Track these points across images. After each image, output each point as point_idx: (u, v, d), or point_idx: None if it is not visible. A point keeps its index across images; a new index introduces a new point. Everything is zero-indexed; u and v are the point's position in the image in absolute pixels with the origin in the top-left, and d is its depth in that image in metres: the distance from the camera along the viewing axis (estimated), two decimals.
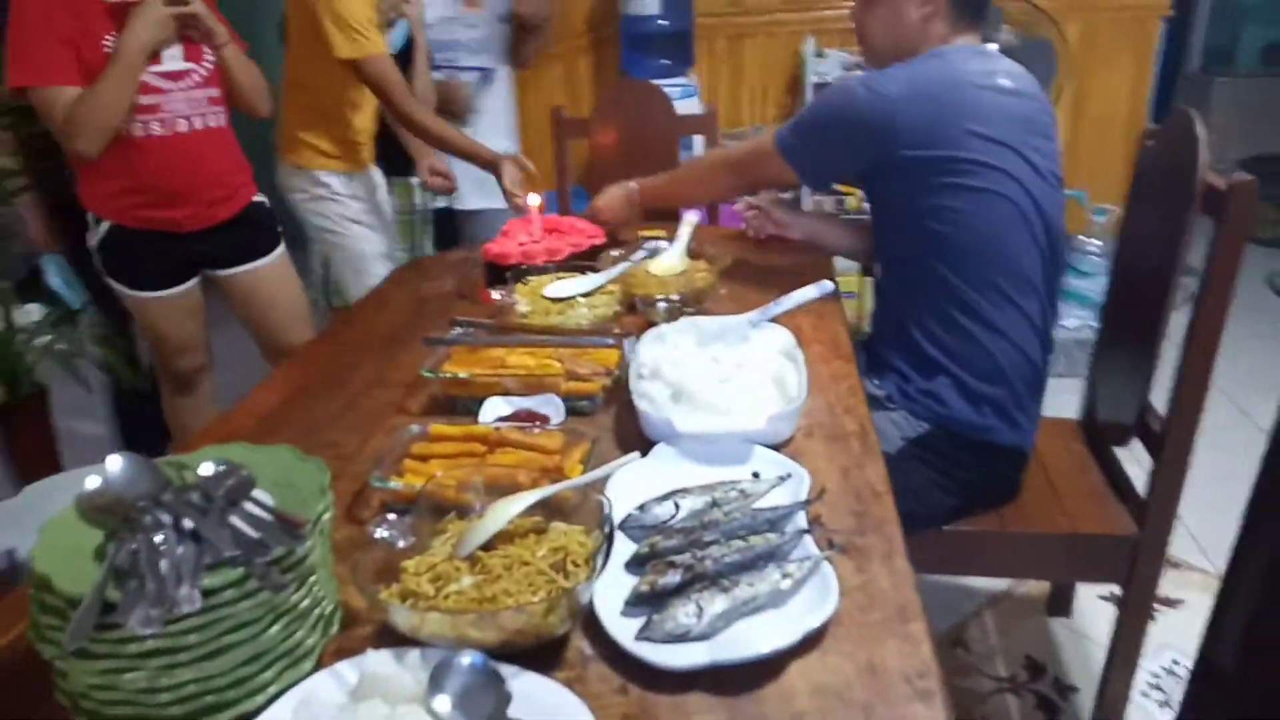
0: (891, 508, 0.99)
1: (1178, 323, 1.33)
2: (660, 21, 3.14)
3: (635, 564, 0.89)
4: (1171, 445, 1.37)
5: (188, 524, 0.70)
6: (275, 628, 0.70)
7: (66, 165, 1.92)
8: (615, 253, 1.59)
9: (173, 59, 1.80)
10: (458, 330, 1.35)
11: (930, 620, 0.81)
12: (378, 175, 2.31)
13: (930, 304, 1.39)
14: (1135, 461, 1.53)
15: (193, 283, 2.01)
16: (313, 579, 0.74)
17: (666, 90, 2.48)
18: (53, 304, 2.26)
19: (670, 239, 1.63)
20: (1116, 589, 1.91)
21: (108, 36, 1.71)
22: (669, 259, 1.62)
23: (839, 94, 1.40)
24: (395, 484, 0.99)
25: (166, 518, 0.70)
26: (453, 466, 1.01)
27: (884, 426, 1.39)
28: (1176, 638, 1.85)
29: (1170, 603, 1.97)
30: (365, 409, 1.27)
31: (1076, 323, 2.92)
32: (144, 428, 2.38)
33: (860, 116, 1.35)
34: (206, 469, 0.77)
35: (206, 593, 0.65)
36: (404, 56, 2.38)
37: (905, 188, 1.36)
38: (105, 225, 1.87)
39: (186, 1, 1.74)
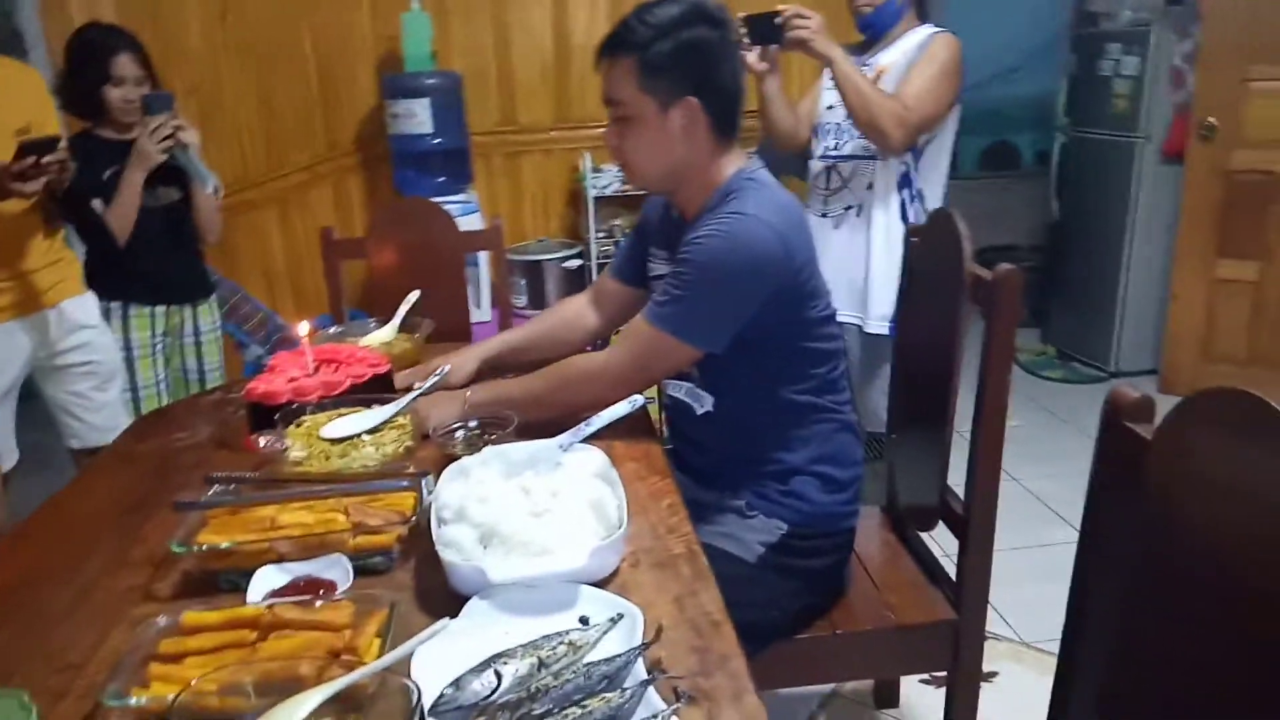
0: (733, 637, 0.91)
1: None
2: (433, 140, 3.09)
3: None
4: (975, 527, 1.40)
5: None
6: None
7: None
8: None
9: None
10: (215, 489, 1.15)
11: None
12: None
13: (783, 420, 1.41)
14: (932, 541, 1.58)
15: None
16: None
17: (447, 207, 2.41)
18: None
19: None
20: (938, 673, 1.96)
21: None
22: (381, 333, 1.76)
23: (719, 244, 1.28)
24: (137, 699, 0.79)
25: None
26: (214, 665, 0.82)
27: (742, 535, 1.39)
28: (998, 710, 1.88)
29: (986, 676, 2.02)
30: (101, 600, 1.03)
31: None
32: None
33: (755, 255, 1.28)
34: None
35: None
36: (182, 183, 2.19)
37: (773, 318, 1.33)
38: None
39: None
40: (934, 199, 2.22)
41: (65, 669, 0.90)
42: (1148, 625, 0.85)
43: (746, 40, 2.02)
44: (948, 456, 1.46)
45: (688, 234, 1.34)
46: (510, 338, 1.70)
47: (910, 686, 1.98)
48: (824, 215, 2.27)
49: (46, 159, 1.73)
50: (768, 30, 2.02)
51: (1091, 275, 3.95)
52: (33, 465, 2.08)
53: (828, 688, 2.01)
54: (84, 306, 2.07)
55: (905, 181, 2.18)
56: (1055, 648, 1.12)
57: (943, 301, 1.45)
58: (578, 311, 1.70)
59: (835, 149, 2.23)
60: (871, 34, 2.22)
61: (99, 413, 2.10)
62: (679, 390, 1.46)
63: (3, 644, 0.96)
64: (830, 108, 2.21)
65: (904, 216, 2.17)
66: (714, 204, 1.34)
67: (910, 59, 2.12)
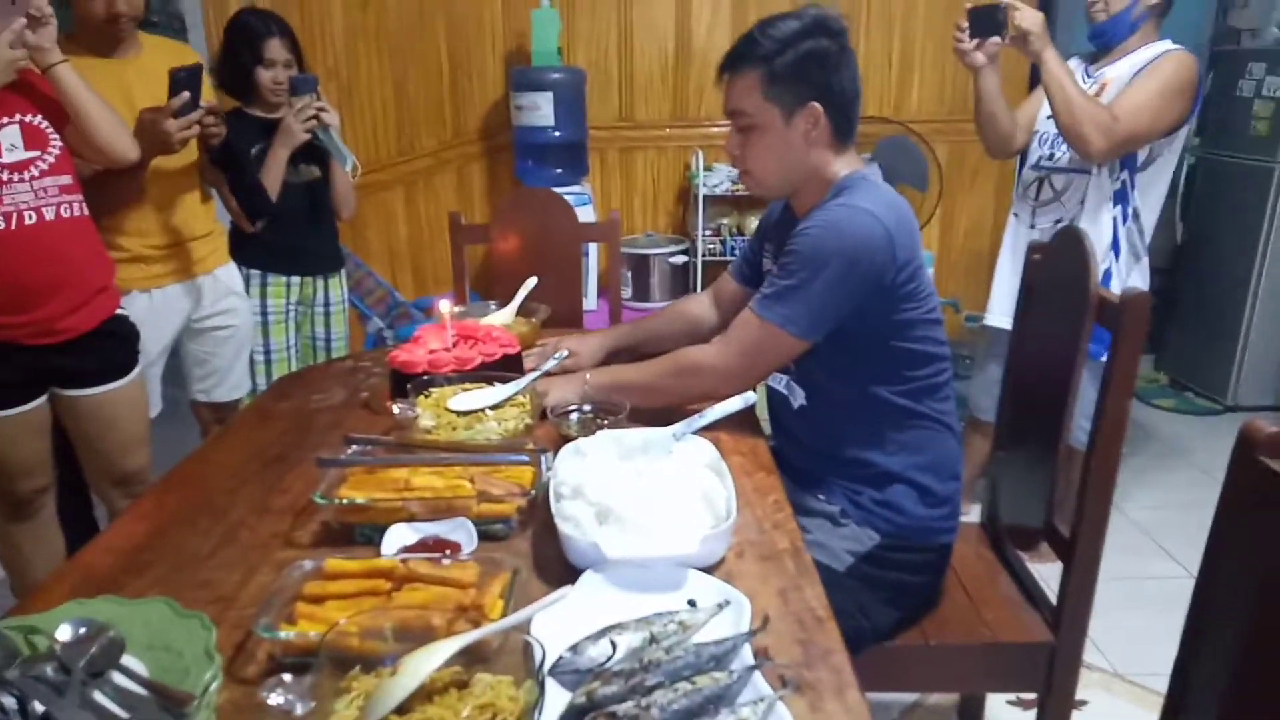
0: (836, 634, 0.94)
1: None
2: (554, 133, 3.18)
3: (572, 716, 0.79)
4: (1082, 551, 1.38)
5: (38, 707, 0.57)
6: None
7: None
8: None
9: (13, 149, 1.62)
10: (354, 449, 1.24)
11: None
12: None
13: (876, 421, 1.40)
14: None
15: (40, 400, 1.79)
16: None
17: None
18: None
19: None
20: (1025, 694, 1.92)
21: None
22: (501, 315, 1.82)
23: (823, 233, 1.31)
24: (286, 633, 0.87)
25: (10, 701, 0.57)
26: (354, 609, 0.89)
27: (833, 544, 1.38)
28: None
29: (1076, 704, 1.97)
30: (246, 542, 1.13)
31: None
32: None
33: (858, 244, 1.29)
34: (64, 633, 0.64)
35: None
36: (322, 161, 2.33)
37: (868, 314, 1.33)
38: None
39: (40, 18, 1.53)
40: (1149, 220, 2.13)
41: (217, 601, 0.99)
42: (1268, 665, 0.83)
43: (967, 34, 2.02)
44: (1056, 479, 1.44)
45: (796, 228, 1.37)
46: (634, 330, 1.74)
47: (996, 705, 1.95)
48: (1031, 227, 2.23)
49: (202, 106, 1.86)
50: (990, 22, 2.01)
51: (1214, 303, 3.77)
52: (162, 416, 2.24)
53: (911, 697, 2.00)
54: (231, 274, 2.24)
55: (1120, 199, 2.11)
56: (1150, 681, 1.12)
57: (1064, 322, 1.42)
58: (701, 309, 1.73)
59: (1050, 159, 2.19)
60: (1102, 43, 2.16)
61: (230, 373, 2.27)
62: (779, 383, 1.48)
63: (160, 575, 1.05)
64: (1050, 116, 2.14)
65: (1114, 236, 2.10)
66: (825, 200, 1.37)
67: (1137, 73, 2.05)
